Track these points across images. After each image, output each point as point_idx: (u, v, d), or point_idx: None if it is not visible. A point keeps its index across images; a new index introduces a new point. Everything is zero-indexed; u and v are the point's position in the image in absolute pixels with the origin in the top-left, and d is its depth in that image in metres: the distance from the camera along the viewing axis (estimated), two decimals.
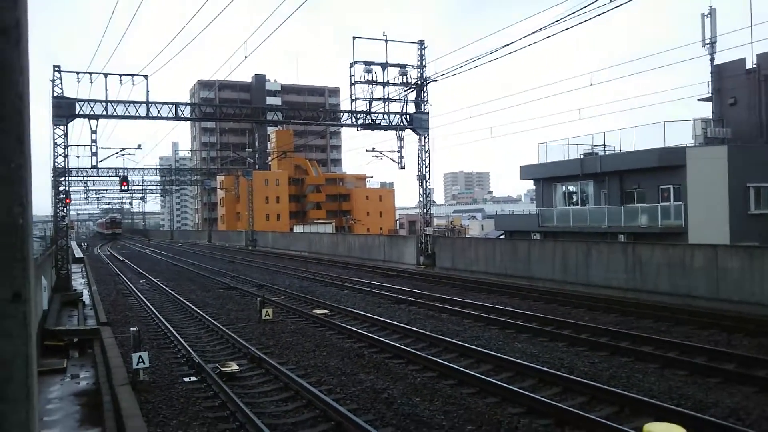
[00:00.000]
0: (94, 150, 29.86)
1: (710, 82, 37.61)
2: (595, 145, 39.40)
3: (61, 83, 27.65)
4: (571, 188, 40.71)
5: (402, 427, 8.62)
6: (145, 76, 29.11)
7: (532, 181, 45.46)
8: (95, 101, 28.23)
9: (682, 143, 35.33)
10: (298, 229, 79.99)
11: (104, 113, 28.44)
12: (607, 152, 38.92)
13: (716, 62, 37.39)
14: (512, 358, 11.94)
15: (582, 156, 39.14)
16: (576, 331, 14.78)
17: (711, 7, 36.98)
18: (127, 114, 28.98)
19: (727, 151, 32.71)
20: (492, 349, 12.98)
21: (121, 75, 28.76)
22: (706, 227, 31.04)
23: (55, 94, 27.38)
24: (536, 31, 21.57)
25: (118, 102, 28.80)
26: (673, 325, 15.48)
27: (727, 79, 36.58)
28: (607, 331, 14.43)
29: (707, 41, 36.75)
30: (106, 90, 28.73)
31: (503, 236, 44.69)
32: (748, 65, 35.69)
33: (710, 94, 37.69)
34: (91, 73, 28.58)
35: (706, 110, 38.20)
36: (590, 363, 11.86)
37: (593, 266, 22.48)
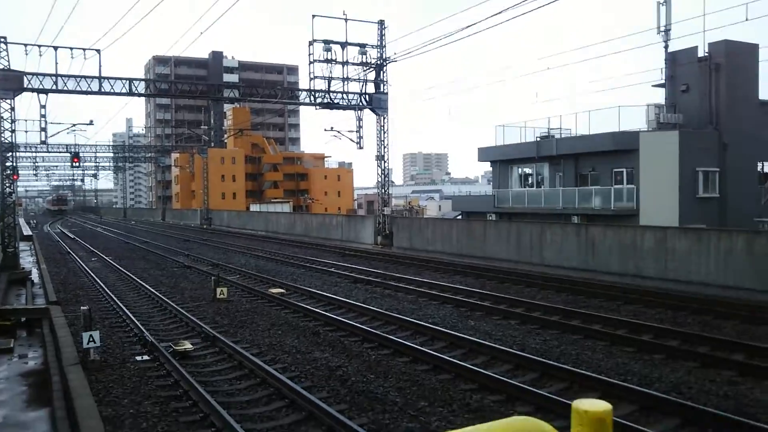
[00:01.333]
0: (43, 125, 29.00)
1: (664, 69, 38.33)
2: (551, 128, 39.90)
3: (8, 56, 26.70)
4: (527, 170, 41.22)
5: (356, 403, 8.68)
6: (98, 51, 28.37)
7: (489, 163, 45.84)
8: (44, 75, 27.37)
9: (636, 128, 36.04)
10: (254, 208, 79.25)
11: (54, 87, 27.60)
12: (562, 135, 39.47)
13: (670, 50, 38.09)
14: (465, 336, 12.11)
15: (538, 139, 39.63)
16: (528, 310, 15.06)
17: None
18: (78, 89, 28.18)
19: (678, 136, 33.51)
20: (446, 327, 13.14)
21: (72, 48, 27.92)
22: (656, 210, 31.84)
23: (1, 67, 26.43)
24: (498, 13, 21.68)
25: (69, 76, 27.96)
26: (623, 304, 15.89)
27: (679, 67, 37.31)
28: (559, 310, 14.74)
29: (662, 28, 37.38)
30: (56, 64, 27.93)
31: (460, 217, 45.08)
32: (700, 53, 36.47)
33: (663, 81, 38.42)
34: (40, 46, 27.68)
35: (660, 96, 38.94)
36: (542, 340, 12.12)
37: (547, 247, 22.88)
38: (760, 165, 37.79)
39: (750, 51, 36.15)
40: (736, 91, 35.00)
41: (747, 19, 25.14)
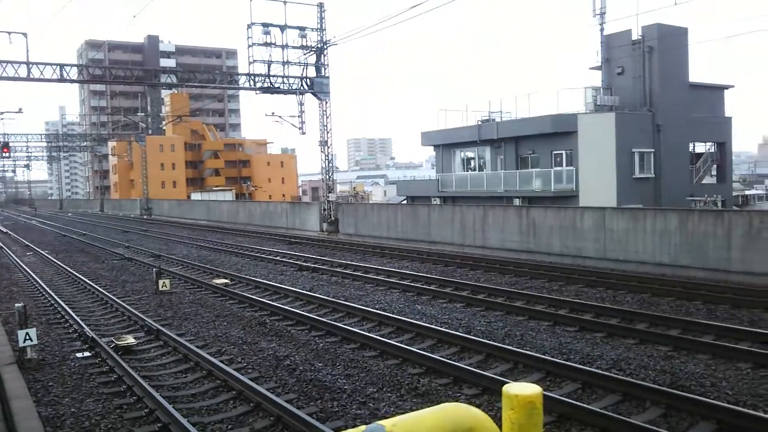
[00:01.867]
0: None
1: (600, 52, 39.19)
2: (492, 112, 40.41)
3: None
4: (470, 154, 41.70)
5: (304, 392, 8.66)
6: (24, 34, 27.34)
7: (432, 147, 46.16)
8: None
9: (575, 110, 36.83)
10: (195, 196, 77.81)
11: None
12: (503, 119, 40.02)
13: (606, 32, 38.93)
14: (412, 320, 12.20)
15: (480, 122, 40.08)
16: (473, 292, 15.27)
17: None
18: (5, 75, 27.04)
19: (615, 118, 34.42)
20: (393, 313, 13.21)
21: None
22: (595, 191, 32.71)
23: None
24: None
25: None
26: (564, 284, 16.28)
27: (615, 49, 38.22)
28: (503, 292, 15.00)
29: (598, 11, 38.17)
30: None
31: (405, 201, 45.31)
32: (634, 36, 37.42)
33: (600, 63, 39.32)
34: None
35: (597, 79, 39.88)
36: (486, 322, 12.31)
37: (490, 229, 23.22)
38: (691, 145, 39.23)
39: (680, 34, 37.32)
40: (667, 73, 36.12)
41: (675, 3, 25.85)
